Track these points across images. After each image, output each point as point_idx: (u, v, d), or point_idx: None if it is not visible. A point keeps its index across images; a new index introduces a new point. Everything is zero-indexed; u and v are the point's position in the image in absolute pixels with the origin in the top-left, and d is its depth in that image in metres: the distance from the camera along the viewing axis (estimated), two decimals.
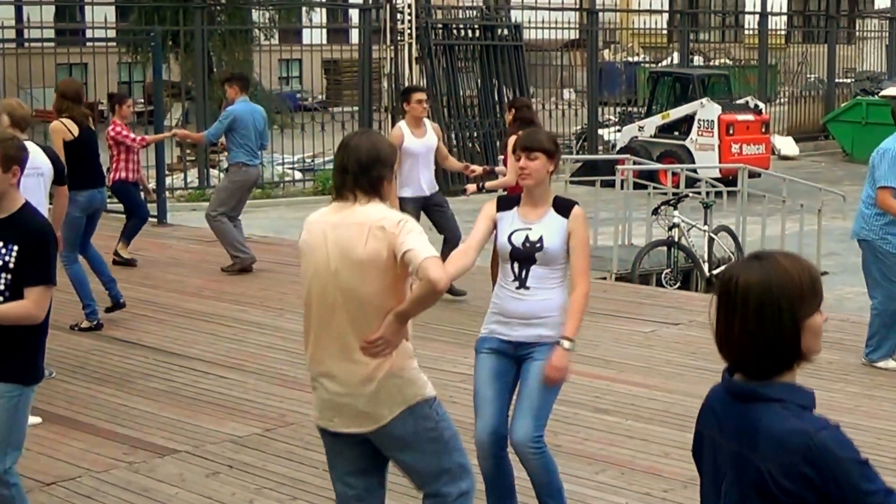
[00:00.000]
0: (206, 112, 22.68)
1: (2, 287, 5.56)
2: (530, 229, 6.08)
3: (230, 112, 13.55)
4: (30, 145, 8.87)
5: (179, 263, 14.48)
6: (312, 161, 25.19)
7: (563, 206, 6.14)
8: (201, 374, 9.67)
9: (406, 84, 23.94)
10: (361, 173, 5.01)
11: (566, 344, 6.00)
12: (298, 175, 24.92)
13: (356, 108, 26.06)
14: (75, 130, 11.14)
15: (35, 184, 8.78)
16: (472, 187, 11.35)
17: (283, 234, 17.34)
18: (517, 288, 6.08)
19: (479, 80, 26.52)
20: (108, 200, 12.41)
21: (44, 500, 6.98)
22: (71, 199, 10.10)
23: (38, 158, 8.89)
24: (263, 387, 9.33)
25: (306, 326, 5.19)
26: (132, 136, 13.91)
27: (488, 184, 11.15)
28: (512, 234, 6.10)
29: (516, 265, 6.09)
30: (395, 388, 5.07)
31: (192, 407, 8.83)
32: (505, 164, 11.34)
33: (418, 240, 4.90)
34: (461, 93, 26.04)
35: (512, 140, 10.98)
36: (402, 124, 11.93)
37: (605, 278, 15.03)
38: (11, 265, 5.57)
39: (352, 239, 4.97)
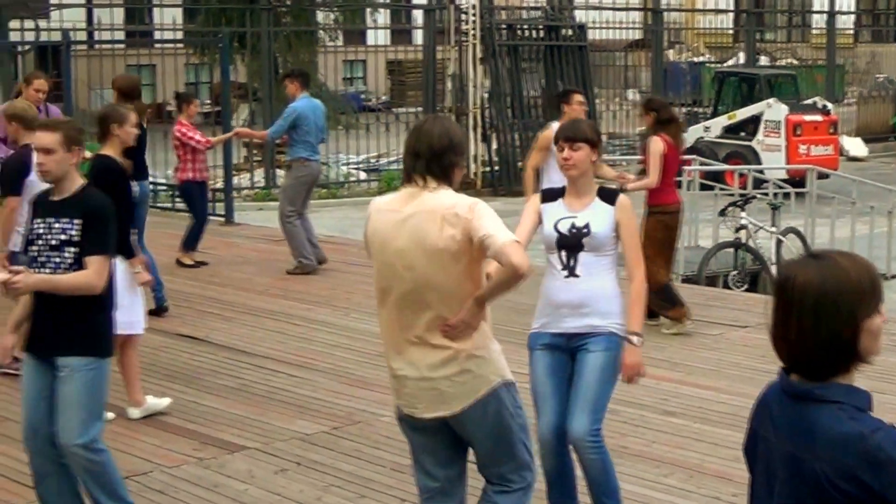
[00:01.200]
0: (272, 113, 22.78)
1: (70, 261, 5.90)
2: (576, 217, 6.06)
3: (293, 109, 13.63)
4: None
5: (247, 262, 14.58)
6: (377, 161, 25.28)
7: (608, 195, 6.15)
8: (270, 372, 9.74)
9: (470, 84, 23.98)
10: (433, 159, 5.01)
11: (635, 339, 6.00)
12: (363, 175, 25.01)
13: (420, 109, 26.12)
14: None
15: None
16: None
17: (348, 234, 17.40)
18: (566, 276, 6.05)
19: (543, 81, 26.48)
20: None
21: None
22: None
23: None
24: (331, 385, 9.37)
25: (382, 316, 5.19)
26: (197, 137, 14.03)
27: (629, 185, 10.97)
28: (558, 222, 6.08)
29: (564, 253, 6.05)
30: (476, 368, 5.09)
31: (261, 404, 8.89)
32: (645, 166, 11.20)
33: (495, 223, 4.89)
34: (525, 93, 26.01)
35: (653, 143, 10.96)
36: (556, 125, 11.77)
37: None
38: (76, 239, 5.90)
39: (425, 227, 4.96)
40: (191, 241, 14.01)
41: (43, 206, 6.10)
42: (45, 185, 9.03)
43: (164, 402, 8.60)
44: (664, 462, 7.66)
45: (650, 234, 10.85)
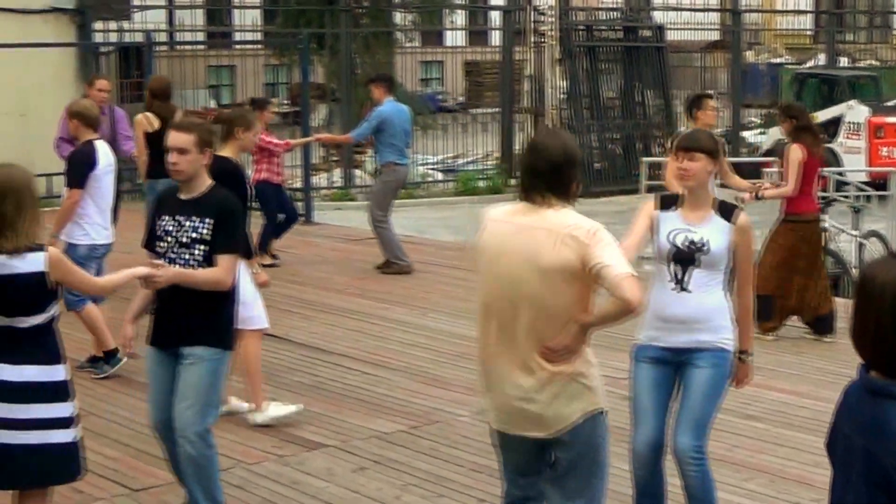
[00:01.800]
0: (349, 114, 22.90)
1: (200, 258, 6.15)
2: (692, 231, 5.94)
3: (379, 113, 13.70)
4: (104, 145, 9.56)
5: (325, 261, 14.66)
6: (454, 162, 25.30)
7: (727, 210, 6.01)
8: (347, 370, 9.79)
9: (548, 86, 23.93)
10: (553, 175, 4.91)
11: (747, 359, 6.04)
12: (440, 175, 25.06)
13: (497, 110, 26.11)
14: (156, 124, 11.83)
15: (112, 179, 9.52)
16: (749, 196, 10.96)
17: (425, 234, 17.45)
18: (677, 290, 5.94)
19: (620, 82, 26.38)
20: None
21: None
22: (150, 186, 11.50)
23: (111, 157, 9.61)
24: (408, 384, 9.39)
25: (482, 329, 5.11)
26: (276, 140, 14.13)
27: (766, 193, 10.78)
28: (673, 234, 5.97)
29: (676, 267, 5.95)
30: (574, 394, 5.01)
31: (339, 402, 8.93)
32: (784, 174, 10.89)
33: (613, 253, 4.80)
34: (602, 95, 25.91)
35: (791, 150, 10.72)
36: (683, 130, 11.63)
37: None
38: (207, 237, 6.15)
39: (540, 245, 4.87)
40: (265, 242, 14.12)
41: (171, 204, 6.29)
42: (107, 180, 9.42)
43: (291, 408, 8.53)
44: (745, 467, 7.60)
45: (775, 239, 10.71)
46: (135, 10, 25.53)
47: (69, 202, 9.39)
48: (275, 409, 8.44)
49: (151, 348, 6.35)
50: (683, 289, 5.93)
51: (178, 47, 25.60)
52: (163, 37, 24.62)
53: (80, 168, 9.34)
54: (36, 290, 5.38)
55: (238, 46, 27.23)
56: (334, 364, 9.97)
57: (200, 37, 27.81)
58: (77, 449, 5.58)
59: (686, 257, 5.92)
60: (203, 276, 6.13)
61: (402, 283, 13.35)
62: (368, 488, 7.23)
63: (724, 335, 5.96)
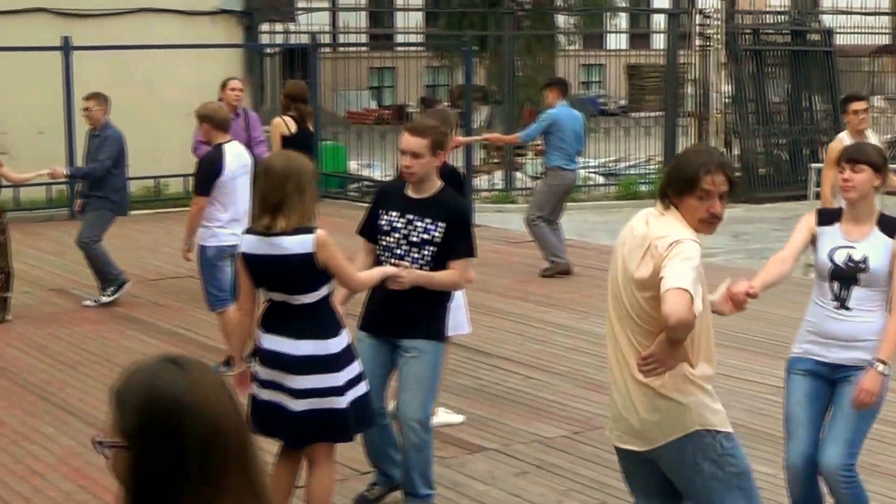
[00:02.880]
0: (511, 116, 22.89)
1: (428, 258, 6.42)
2: (853, 248, 5.80)
3: (549, 115, 13.68)
4: (236, 145, 9.69)
5: (486, 263, 14.59)
6: (615, 165, 25.12)
7: (889, 225, 5.86)
8: (509, 374, 9.77)
9: (712, 90, 23.61)
10: (667, 184, 4.96)
11: (879, 367, 5.73)
12: (601, 179, 24.90)
13: (659, 114, 25.86)
14: (293, 127, 12.03)
15: (246, 180, 9.60)
16: None
17: (586, 238, 17.36)
18: (837, 308, 5.82)
19: (787, 87, 25.91)
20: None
21: (358, 487, 7.18)
22: None
23: (245, 157, 9.78)
24: (570, 389, 9.35)
25: (608, 331, 5.13)
26: None
27: None
28: (833, 251, 5.84)
29: (836, 284, 5.82)
30: (668, 410, 4.90)
31: (501, 406, 8.92)
32: None
33: (678, 267, 4.65)
34: (768, 99, 25.48)
35: None
36: (843, 136, 11.42)
37: None
38: (438, 240, 6.40)
39: (634, 253, 4.88)
40: None
41: (399, 200, 6.51)
42: (238, 183, 9.61)
43: (459, 418, 8.58)
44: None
45: None
46: (300, 12, 25.90)
47: (194, 209, 9.57)
48: (444, 416, 8.47)
49: (364, 333, 6.64)
50: (844, 307, 5.82)
51: (340, 49, 25.86)
52: (326, 38, 24.90)
53: (204, 176, 9.51)
54: (306, 270, 5.83)
55: (400, 48, 27.39)
56: (496, 367, 9.97)
57: (363, 39, 28.09)
58: (348, 414, 6.00)
59: (846, 275, 5.80)
60: (442, 279, 6.44)
61: (562, 286, 13.29)
62: (530, 492, 7.22)
63: None
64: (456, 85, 31.14)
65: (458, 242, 6.42)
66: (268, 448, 6.07)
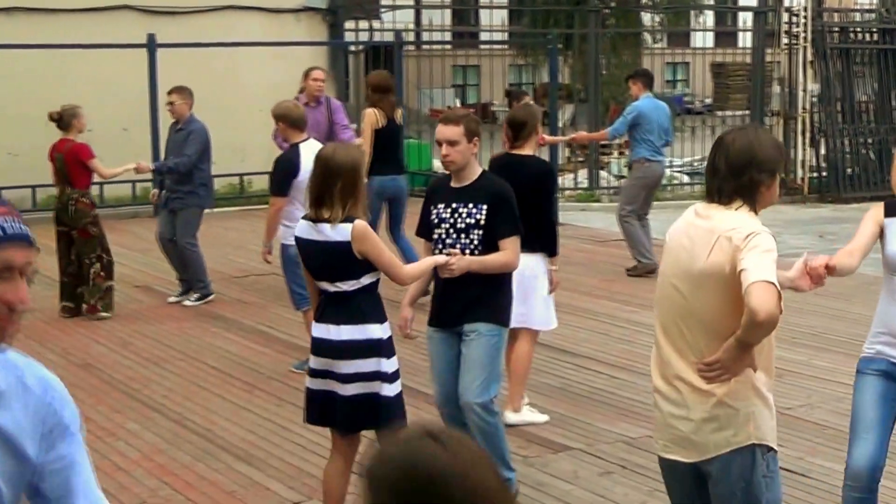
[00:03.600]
0: (595, 114, 22.74)
1: (476, 242, 6.51)
2: None
3: (634, 108, 13.58)
4: (312, 143, 9.57)
5: (571, 262, 14.52)
6: (701, 165, 24.89)
7: None
8: (593, 373, 9.71)
9: (799, 88, 23.33)
10: (731, 176, 4.55)
11: None
12: (686, 178, 24.69)
13: (744, 113, 25.61)
14: (383, 120, 11.91)
15: None
16: None
17: None
18: None
19: (875, 85, 25.55)
20: None
21: None
22: (373, 183, 11.27)
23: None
24: None
25: (655, 328, 4.79)
26: None
27: None
28: None
29: None
30: (726, 419, 4.58)
31: (585, 405, 8.86)
32: None
33: (758, 259, 4.34)
34: (855, 98, 25.13)
35: None
36: None
37: None
38: (483, 222, 6.50)
39: (699, 246, 4.54)
40: None
41: (444, 193, 6.65)
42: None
43: (543, 417, 8.52)
44: None
45: None
46: (385, 9, 25.92)
47: (272, 210, 9.60)
48: (529, 414, 8.44)
49: (433, 329, 6.77)
50: None
51: (425, 47, 25.88)
52: (411, 36, 24.92)
53: (281, 176, 9.51)
54: (344, 258, 5.94)
55: (484, 46, 27.35)
56: (581, 367, 9.91)
57: (448, 37, 28.08)
58: (390, 402, 6.04)
59: None
60: (493, 261, 6.51)
61: (648, 285, 13.13)
62: (614, 492, 7.16)
63: None
64: (540, 83, 31.05)
65: (502, 222, 6.50)
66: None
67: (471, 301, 6.53)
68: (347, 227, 5.91)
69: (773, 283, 4.28)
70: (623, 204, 13.84)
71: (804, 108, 23.15)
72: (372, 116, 11.87)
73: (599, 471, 7.51)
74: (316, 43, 20.94)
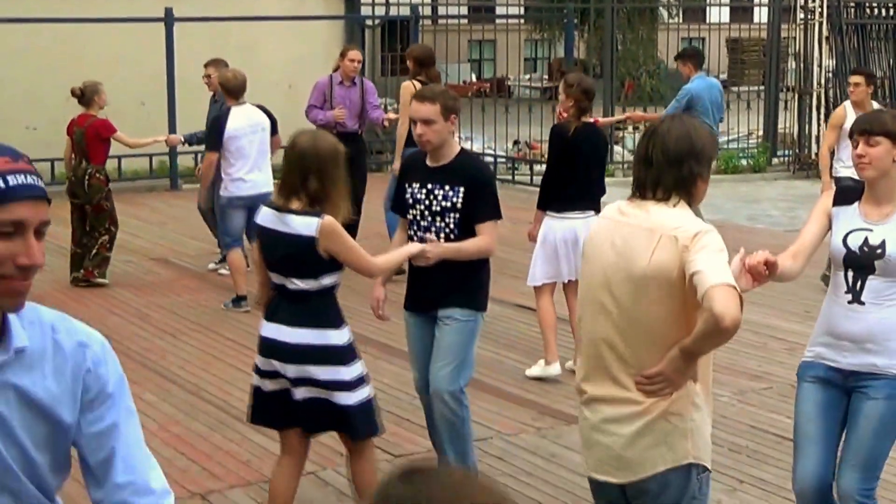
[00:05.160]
0: (611, 90, 22.71)
1: (452, 226, 6.22)
2: (871, 231, 5.07)
3: (686, 91, 13.59)
4: (247, 107, 10.83)
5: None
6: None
7: None
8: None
9: (815, 64, 23.28)
10: (667, 168, 4.22)
11: None
12: None
13: (760, 88, 25.54)
14: None
15: (262, 138, 10.84)
16: None
17: None
18: (849, 302, 5.09)
19: (890, 60, 25.49)
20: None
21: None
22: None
23: (256, 116, 10.95)
24: None
25: (576, 340, 4.66)
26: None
27: None
28: (848, 235, 5.11)
29: (850, 274, 5.09)
30: (665, 435, 4.24)
31: None
32: None
33: (712, 259, 4.03)
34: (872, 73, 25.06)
35: None
36: (847, 104, 11.25)
37: None
38: (459, 205, 6.18)
39: (637, 247, 4.19)
40: None
41: (420, 171, 6.33)
42: (237, 143, 10.70)
43: (555, 370, 8.88)
44: None
45: None
46: None
47: (204, 164, 11.44)
48: (538, 368, 8.88)
49: (409, 313, 6.52)
50: (857, 300, 5.08)
51: (440, 21, 25.87)
52: (427, 11, 24.91)
53: (211, 133, 11.08)
54: (307, 254, 5.55)
55: (500, 21, 27.33)
56: None
57: (464, 11, 28.06)
58: (351, 410, 5.72)
59: (861, 263, 5.07)
60: (470, 247, 6.21)
61: None
62: None
63: None
64: (556, 58, 31.02)
65: (480, 205, 6.20)
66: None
67: (446, 286, 6.25)
68: (315, 221, 5.52)
69: (734, 287, 3.99)
70: None
71: (819, 84, 23.11)
72: (411, 88, 11.82)
73: None
74: (333, 17, 20.95)
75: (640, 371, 4.19)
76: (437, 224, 6.24)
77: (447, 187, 6.20)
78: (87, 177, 11.71)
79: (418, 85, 11.88)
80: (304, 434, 5.91)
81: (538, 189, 9.22)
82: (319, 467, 7.14)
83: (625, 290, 4.21)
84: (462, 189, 6.18)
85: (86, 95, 11.67)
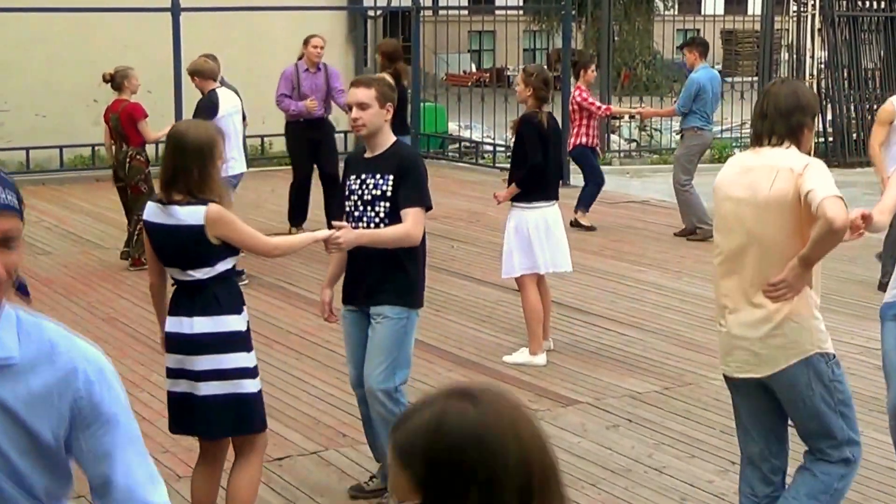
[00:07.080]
0: (608, 81, 22.99)
1: (382, 214, 6.13)
2: None
3: (694, 81, 13.88)
4: (224, 91, 11.33)
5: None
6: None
7: None
8: (602, 330, 10.01)
9: (806, 55, 23.58)
10: (780, 119, 5.13)
11: None
12: None
13: (753, 79, 25.84)
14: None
15: (238, 119, 11.39)
16: None
17: None
18: None
19: (881, 53, 25.75)
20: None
21: (297, 467, 7.18)
22: None
23: (234, 99, 11.51)
24: (661, 346, 9.56)
25: (717, 268, 5.30)
26: (597, 103, 14.48)
27: None
28: None
29: None
30: (792, 333, 5.08)
31: (593, 360, 9.17)
32: None
33: (822, 180, 4.90)
34: (862, 65, 25.34)
35: None
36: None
37: None
38: (389, 194, 6.12)
39: (760, 181, 5.08)
40: (586, 203, 14.51)
41: (356, 165, 6.31)
42: (224, 124, 10.64)
43: (541, 359, 9.06)
44: None
45: None
46: None
47: None
48: (521, 356, 9.05)
49: (345, 308, 6.40)
50: None
51: (441, 12, 26.12)
52: (428, 2, 25.17)
53: (203, 116, 10.61)
54: (196, 243, 5.50)
55: (500, 12, 27.59)
56: (590, 324, 10.21)
57: (464, 2, 28.30)
58: (255, 399, 5.68)
59: None
60: (389, 233, 6.08)
61: (657, 246, 13.49)
62: (621, 445, 7.41)
63: None
64: (554, 49, 31.27)
65: (405, 191, 6.08)
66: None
67: (375, 282, 6.16)
68: (201, 209, 5.44)
69: (841, 197, 4.83)
70: (680, 174, 13.96)
71: (811, 75, 23.38)
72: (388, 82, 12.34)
73: (607, 424, 7.78)
74: (335, 8, 21.17)
75: (766, 281, 4.99)
76: (368, 213, 6.14)
77: (377, 176, 6.13)
78: (128, 159, 12.10)
79: (390, 78, 12.21)
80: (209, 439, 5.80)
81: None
82: (322, 448, 7.35)
83: (752, 213, 5.10)
84: (391, 177, 6.11)
85: (116, 80, 12.15)
